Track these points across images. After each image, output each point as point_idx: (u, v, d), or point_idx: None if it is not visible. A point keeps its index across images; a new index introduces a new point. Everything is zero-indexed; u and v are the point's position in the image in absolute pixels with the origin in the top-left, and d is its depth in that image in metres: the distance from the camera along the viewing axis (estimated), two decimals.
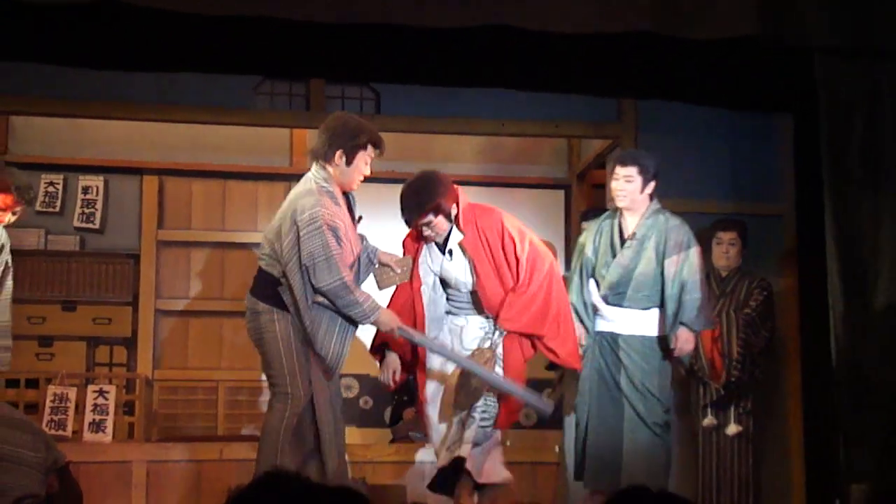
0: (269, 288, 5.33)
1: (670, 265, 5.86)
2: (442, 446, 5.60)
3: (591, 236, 6.09)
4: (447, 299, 5.75)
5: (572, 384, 6.66)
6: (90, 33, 5.87)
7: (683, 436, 6.59)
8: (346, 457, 5.61)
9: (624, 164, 5.97)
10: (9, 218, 5.55)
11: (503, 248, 5.59)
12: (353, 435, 7.17)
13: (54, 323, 7.53)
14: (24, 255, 7.30)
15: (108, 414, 6.79)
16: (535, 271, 5.61)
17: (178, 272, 7.83)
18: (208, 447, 6.74)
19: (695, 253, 5.90)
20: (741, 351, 6.53)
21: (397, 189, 7.86)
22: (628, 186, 5.92)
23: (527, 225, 8.00)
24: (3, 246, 5.68)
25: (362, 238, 5.61)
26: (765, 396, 6.78)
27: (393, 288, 5.72)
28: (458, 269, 5.64)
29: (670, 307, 5.85)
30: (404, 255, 5.69)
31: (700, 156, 7.08)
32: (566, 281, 6.12)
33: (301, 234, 5.16)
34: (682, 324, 5.84)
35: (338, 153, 5.31)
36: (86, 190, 7.74)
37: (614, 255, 5.97)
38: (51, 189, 7.70)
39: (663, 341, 5.90)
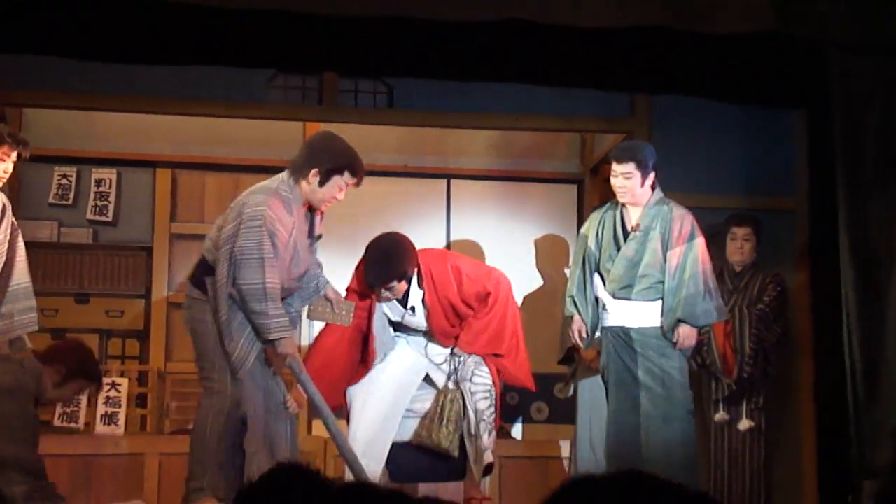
0: (204, 275, 5.29)
1: (672, 257, 5.78)
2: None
3: (594, 228, 6.01)
4: (399, 328, 5.90)
5: (586, 378, 6.67)
6: (103, 26, 5.87)
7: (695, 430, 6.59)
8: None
9: (620, 160, 5.88)
10: (9, 167, 5.57)
11: (460, 289, 5.70)
12: None
13: (67, 315, 7.54)
14: (38, 247, 7.31)
15: (120, 406, 6.82)
16: (497, 296, 5.80)
17: (190, 265, 7.80)
18: None
19: (698, 245, 5.81)
20: (753, 346, 6.51)
21: (409, 183, 7.92)
22: (628, 183, 5.84)
23: (539, 220, 8.08)
24: (4, 206, 5.69)
25: (319, 266, 5.60)
26: (777, 392, 6.77)
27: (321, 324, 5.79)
28: (420, 320, 5.79)
29: (668, 301, 5.77)
30: (346, 298, 5.71)
31: (713, 151, 7.07)
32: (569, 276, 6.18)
33: (241, 227, 5.09)
34: (681, 320, 5.76)
35: (312, 172, 5.24)
36: (99, 183, 7.74)
37: (618, 249, 5.91)
38: (64, 182, 7.71)
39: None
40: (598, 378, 6.49)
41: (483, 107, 7.04)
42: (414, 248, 5.71)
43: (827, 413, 6.54)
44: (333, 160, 5.25)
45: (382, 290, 5.60)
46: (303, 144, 5.37)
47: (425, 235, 7.24)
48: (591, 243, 5.99)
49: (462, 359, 5.76)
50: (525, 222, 8.03)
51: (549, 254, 8.03)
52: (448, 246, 7.83)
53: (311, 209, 5.38)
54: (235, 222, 5.14)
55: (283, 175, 5.31)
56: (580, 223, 8.09)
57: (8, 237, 5.68)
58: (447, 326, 5.75)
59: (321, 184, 5.25)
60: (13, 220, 5.72)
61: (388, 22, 5.60)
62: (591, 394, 6.57)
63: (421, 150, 7.89)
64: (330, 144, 5.34)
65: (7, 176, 5.64)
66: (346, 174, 5.27)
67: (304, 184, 5.26)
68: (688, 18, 5.61)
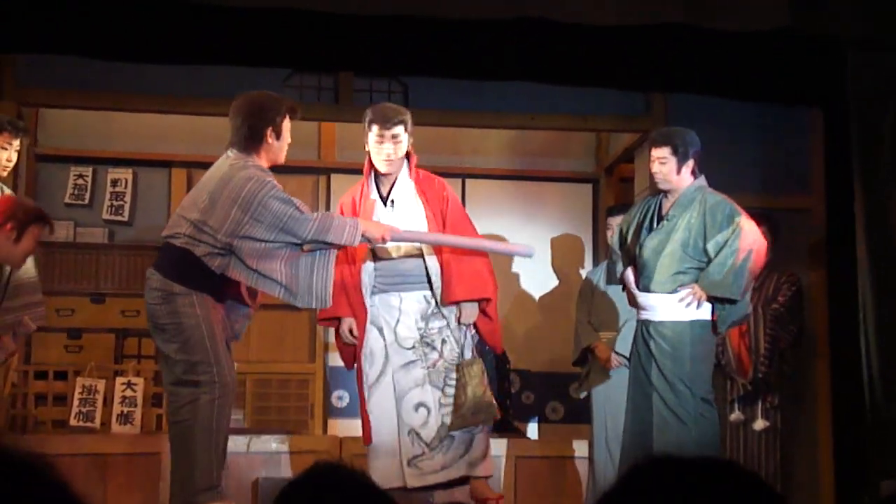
0: (187, 268, 5.10)
1: (721, 238, 5.53)
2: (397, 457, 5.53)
3: (637, 213, 5.81)
4: (375, 273, 5.71)
5: (600, 379, 6.66)
6: (119, 26, 5.89)
7: None
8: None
9: (655, 145, 5.64)
10: (12, 156, 5.58)
11: (446, 213, 5.63)
12: None
13: (83, 315, 7.56)
14: (53, 247, 7.34)
15: (136, 406, 6.82)
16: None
17: None
18: (235, 440, 6.73)
19: (743, 220, 5.52)
20: (768, 346, 6.49)
21: None
22: (663, 168, 5.59)
23: (554, 219, 8.09)
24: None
25: None
26: (793, 392, 6.74)
27: None
28: (398, 218, 5.59)
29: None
30: (341, 213, 5.64)
31: (729, 149, 7.04)
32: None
33: (258, 203, 4.99)
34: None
35: (268, 131, 5.21)
36: (115, 182, 7.77)
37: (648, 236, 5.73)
38: (80, 181, 7.73)
39: (695, 326, 5.57)
40: (613, 378, 6.48)
41: (498, 106, 7.04)
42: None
43: (843, 412, 6.53)
44: (275, 110, 5.25)
45: (390, 138, 5.54)
46: (235, 118, 5.27)
47: None
48: (632, 227, 5.77)
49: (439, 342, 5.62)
50: (540, 222, 8.03)
51: (565, 253, 8.03)
52: None
53: None
54: (240, 207, 5.01)
55: (238, 152, 5.23)
56: (595, 223, 8.11)
57: None
58: (437, 213, 5.66)
59: (278, 136, 5.25)
60: None
61: (404, 21, 5.61)
62: (605, 394, 6.57)
63: (436, 150, 7.88)
64: (261, 101, 5.30)
65: (11, 165, 5.65)
66: (289, 114, 5.29)
67: (263, 149, 5.22)
68: (703, 16, 5.61)
